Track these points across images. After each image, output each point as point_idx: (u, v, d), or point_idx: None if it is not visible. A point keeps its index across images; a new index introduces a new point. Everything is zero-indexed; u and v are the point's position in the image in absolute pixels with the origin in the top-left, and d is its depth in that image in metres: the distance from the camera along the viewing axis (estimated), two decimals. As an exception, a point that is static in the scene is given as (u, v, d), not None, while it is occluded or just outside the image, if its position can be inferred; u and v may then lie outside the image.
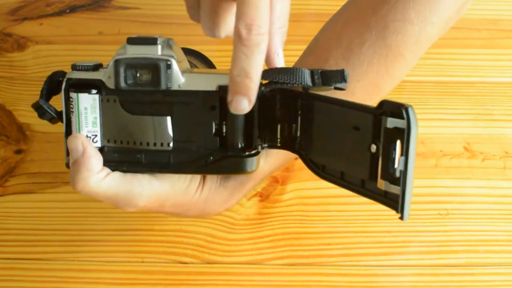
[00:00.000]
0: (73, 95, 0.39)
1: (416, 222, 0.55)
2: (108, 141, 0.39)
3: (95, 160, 0.38)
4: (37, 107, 0.41)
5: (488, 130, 0.59)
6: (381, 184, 0.33)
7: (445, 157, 0.58)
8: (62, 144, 0.60)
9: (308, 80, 0.37)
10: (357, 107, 0.35)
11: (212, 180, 0.43)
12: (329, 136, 0.37)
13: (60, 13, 0.66)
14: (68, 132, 0.40)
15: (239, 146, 0.39)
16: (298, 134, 0.39)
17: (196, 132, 0.39)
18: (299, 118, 0.39)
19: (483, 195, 0.56)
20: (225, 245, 0.54)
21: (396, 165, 0.32)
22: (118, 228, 0.55)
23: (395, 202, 0.32)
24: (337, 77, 0.37)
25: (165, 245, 0.55)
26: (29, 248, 0.55)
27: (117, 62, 0.37)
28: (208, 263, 0.54)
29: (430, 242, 0.54)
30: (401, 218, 0.32)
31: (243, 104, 0.35)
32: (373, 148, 0.34)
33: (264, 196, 0.56)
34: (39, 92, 0.62)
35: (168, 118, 0.39)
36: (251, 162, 0.39)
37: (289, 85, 0.37)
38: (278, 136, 0.40)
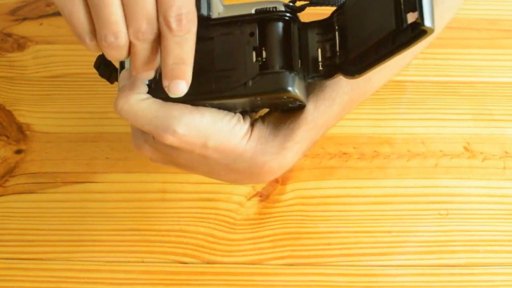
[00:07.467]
0: None
1: (416, 222, 0.55)
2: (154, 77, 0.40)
3: (140, 83, 0.39)
4: (98, 62, 0.43)
5: (488, 130, 0.59)
6: (406, 20, 0.33)
7: (445, 157, 0.58)
8: (62, 144, 0.60)
9: None
10: None
11: (261, 128, 0.42)
12: (360, 20, 0.37)
13: (60, 13, 0.66)
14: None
15: (279, 68, 0.39)
16: (337, 48, 0.39)
17: (237, 59, 0.40)
18: (337, 32, 0.39)
19: (483, 195, 0.56)
20: (225, 245, 0.54)
21: None
22: (118, 228, 0.55)
23: (419, 24, 0.32)
24: None
25: (165, 245, 0.55)
26: (29, 248, 0.55)
27: None
28: (208, 263, 0.54)
29: (430, 242, 0.54)
30: (422, 24, 0.31)
31: (181, 87, 0.36)
32: None
33: (264, 196, 0.56)
34: (39, 92, 0.62)
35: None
36: (292, 80, 0.39)
37: (324, 5, 0.39)
38: (320, 60, 0.40)
